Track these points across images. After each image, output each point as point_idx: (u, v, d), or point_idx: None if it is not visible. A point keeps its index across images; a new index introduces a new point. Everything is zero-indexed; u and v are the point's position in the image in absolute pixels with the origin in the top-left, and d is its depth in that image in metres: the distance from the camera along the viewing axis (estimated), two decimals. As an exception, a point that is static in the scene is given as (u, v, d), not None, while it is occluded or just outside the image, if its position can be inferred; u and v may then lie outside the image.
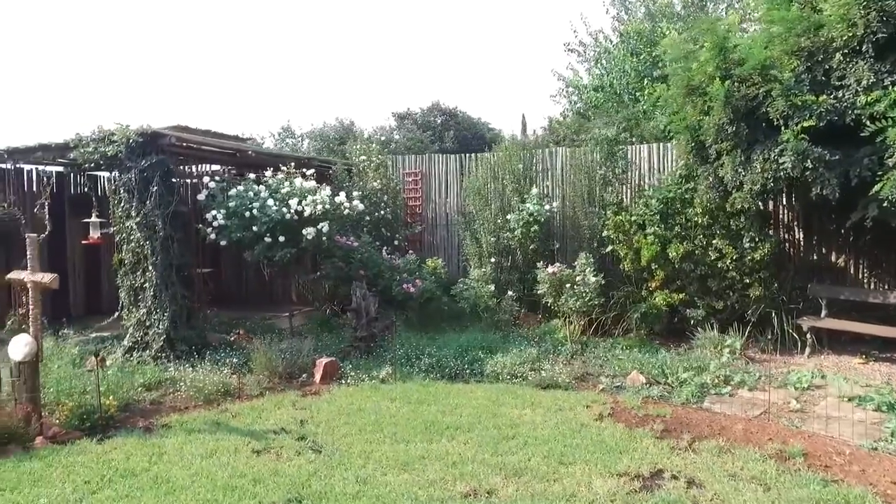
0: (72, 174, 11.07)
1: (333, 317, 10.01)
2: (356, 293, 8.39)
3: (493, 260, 9.83)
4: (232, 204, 8.12)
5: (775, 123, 7.08)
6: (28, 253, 5.67)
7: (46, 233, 9.42)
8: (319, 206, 8.25)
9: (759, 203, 7.98)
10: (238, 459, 5.00)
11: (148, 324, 8.01)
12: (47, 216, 9.30)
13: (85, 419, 5.74)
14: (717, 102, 7.19)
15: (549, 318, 9.42)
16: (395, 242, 10.69)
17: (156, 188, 7.82)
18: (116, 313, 8.28)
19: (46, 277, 5.55)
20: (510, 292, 9.36)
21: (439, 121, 35.27)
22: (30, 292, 5.69)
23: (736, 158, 7.24)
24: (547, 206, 9.48)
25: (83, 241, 9.25)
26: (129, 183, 7.92)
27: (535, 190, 9.70)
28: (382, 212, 10.42)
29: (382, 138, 20.60)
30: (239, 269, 13.19)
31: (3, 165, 9.81)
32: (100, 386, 5.91)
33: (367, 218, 10.17)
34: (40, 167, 10.41)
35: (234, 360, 7.61)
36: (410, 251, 10.55)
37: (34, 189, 10.05)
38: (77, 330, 9.18)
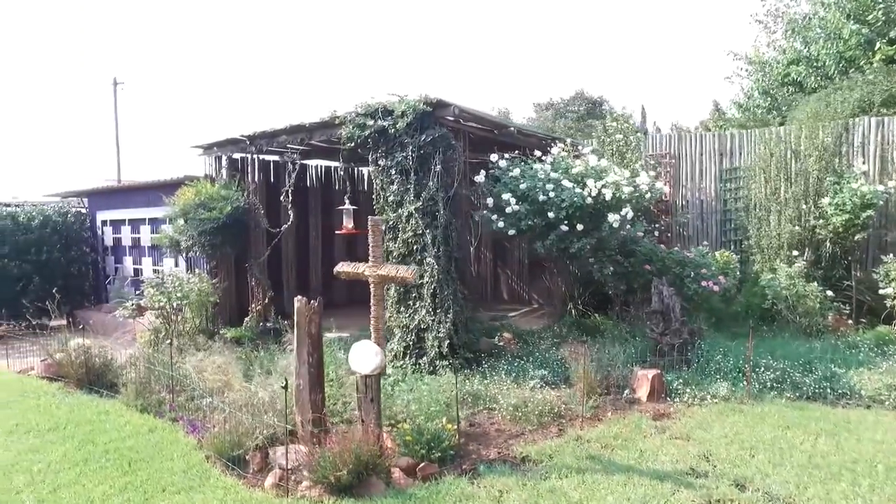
0: (287, 163, 10.31)
1: (580, 317, 8.67)
2: (661, 292, 6.92)
3: (794, 253, 8.10)
4: (523, 185, 6.80)
5: None
6: (371, 241, 4.57)
7: (290, 223, 8.65)
8: (626, 189, 6.81)
9: None
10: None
11: (424, 326, 6.90)
12: (290, 206, 8.47)
13: (432, 447, 4.61)
14: None
15: (870, 322, 7.71)
16: (657, 233, 9.18)
17: (439, 167, 6.68)
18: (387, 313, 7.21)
19: (403, 270, 4.42)
20: (829, 292, 7.65)
21: (583, 109, 33.43)
22: (372, 289, 4.59)
23: None
24: (881, 187, 7.61)
25: (337, 232, 8.32)
26: (405, 162, 6.82)
27: (862, 166, 7.87)
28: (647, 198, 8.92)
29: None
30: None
31: (235, 155, 9.14)
32: (458, 406, 4.75)
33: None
34: (260, 157, 9.67)
35: (543, 371, 6.35)
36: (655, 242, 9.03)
37: (256, 179, 9.25)
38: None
